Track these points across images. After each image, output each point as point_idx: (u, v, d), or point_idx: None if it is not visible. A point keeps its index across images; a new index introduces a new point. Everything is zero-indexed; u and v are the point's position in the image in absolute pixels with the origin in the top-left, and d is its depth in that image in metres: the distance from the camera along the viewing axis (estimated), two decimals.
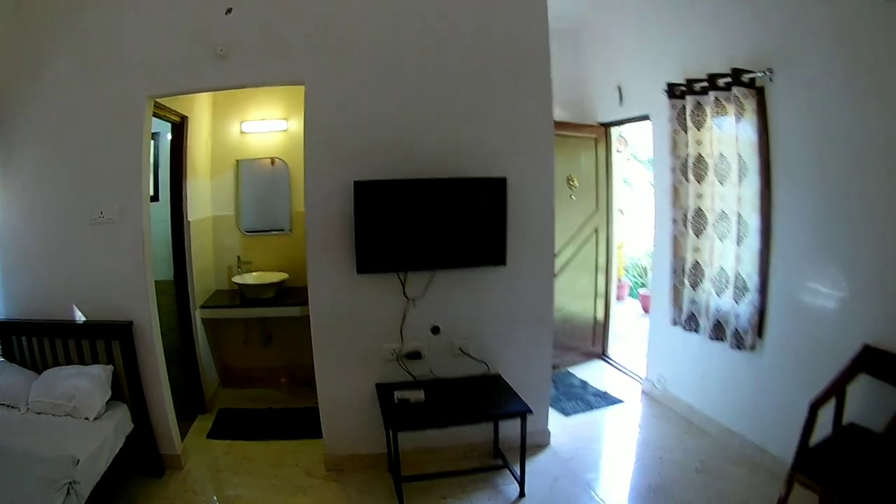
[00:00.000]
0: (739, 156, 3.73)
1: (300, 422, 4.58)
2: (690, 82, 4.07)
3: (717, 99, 3.85)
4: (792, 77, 3.48)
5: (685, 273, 4.31)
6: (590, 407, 4.91)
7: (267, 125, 5.33)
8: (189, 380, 4.83)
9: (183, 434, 4.27)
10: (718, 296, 4.02)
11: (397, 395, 3.61)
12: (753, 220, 3.70)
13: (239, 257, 5.38)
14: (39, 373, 3.65)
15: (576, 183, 5.55)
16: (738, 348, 3.87)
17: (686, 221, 4.25)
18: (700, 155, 4.08)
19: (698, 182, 4.11)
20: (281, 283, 5.16)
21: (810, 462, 2.96)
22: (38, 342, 3.76)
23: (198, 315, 4.88)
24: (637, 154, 8.40)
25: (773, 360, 3.76)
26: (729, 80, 3.73)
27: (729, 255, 3.91)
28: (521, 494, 3.66)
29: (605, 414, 4.83)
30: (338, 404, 3.95)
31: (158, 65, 3.67)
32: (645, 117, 5.03)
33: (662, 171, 4.60)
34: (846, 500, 2.70)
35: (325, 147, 3.72)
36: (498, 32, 3.82)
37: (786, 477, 3.04)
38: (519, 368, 4.03)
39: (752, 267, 3.74)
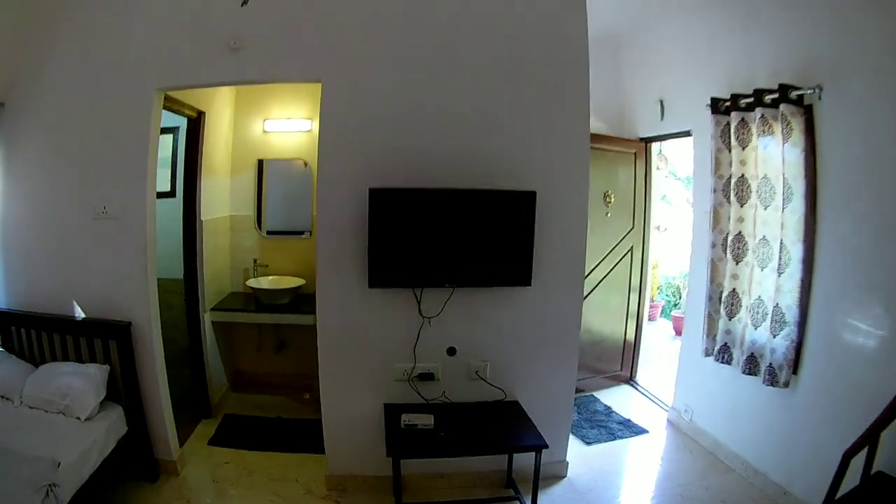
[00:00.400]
0: (785, 178, 3.41)
1: (309, 434, 4.22)
2: (735, 97, 3.75)
3: (763, 116, 3.53)
4: (842, 95, 3.17)
5: (721, 301, 3.97)
6: (612, 436, 4.58)
7: (290, 125, 5.03)
8: (195, 382, 4.60)
9: (183, 439, 4.10)
10: (755, 328, 3.68)
11: (404, 419, 3.31)
12: (797, 249, 3.37)
13: (256, 260, 5.11)
14: (37, 366, 3.54)
15: (612, 199, 5.20)
16: (772, 384, 3.54)
17: (726, 246, 3.92)
18: (743, 175, 3.76)
19: (740, 205, 3.79)
20: (297, 290, 4.87)
21: None
22: (36, 335, 3.64)
23: (207, 317, 4.64)
24: (676, 171, 7.93)
25: (806, 399, 3.46)
26: (776, 96, 3.41)
27: (769, 284, 3.57)
28: None
29: (628, 445, 4.49)
30: (343, 422, 3.66)
31: (168, 57, 3.46)
32: (687, 133, 4.68)
33: (703, 190, 4.26)
34: None
35: (340, 150, 3.44)
36: (533, 33, 3.48)
37: None
38: (539, 396, 3.71)
39: (793, 299, 3.41)
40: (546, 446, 3.17)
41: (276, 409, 4.82)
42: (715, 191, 3.99)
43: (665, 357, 6.20)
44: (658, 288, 8.04)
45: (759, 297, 3.64)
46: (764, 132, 3.55)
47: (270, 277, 5.08)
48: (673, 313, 7.60)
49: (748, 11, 3.85)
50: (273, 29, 3.40)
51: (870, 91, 3.02)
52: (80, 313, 3.59)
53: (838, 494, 2.75)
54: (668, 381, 5.19)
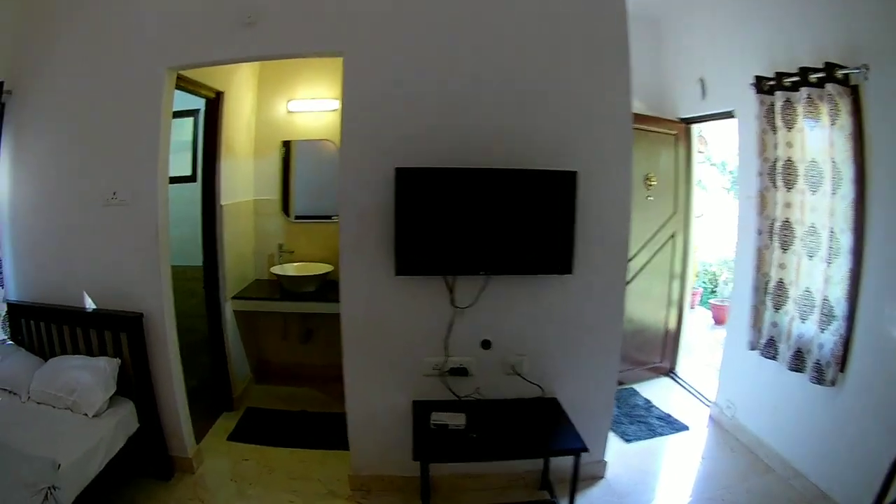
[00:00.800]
0: (833, 162, 3.10)
1: (334, 429, 3.88)
2: (780, 76, 3.40)
3: (808, 96, 3.20)
4: (890, 75, 2.84)
5: (768, 292, 3.64)
6: (653, 433, 4.21)
7: (316, 104, 4.68)
8: (216, 374, 4.29)
9: (202, 434, 3.85)
10: (802, 321, 3.37)
11: (434, 418, 2.97)
12: (846, 238, 3.07)
13: (281, 245, 4.77)
14: (46, 359, 3.31)
15: (654, 182, 4.78)
16: (818, 382, 3.23)
17: (772, 233, 3.59)
18: (790, 158, 3.41)
19: (787, 189, 3.46)
20: (324, 276, 4.51)
21: None
22: (46, 328, 3.40)
23: (228, 306, 4.31)
24: (710, 157, 7.51)
25: (852, 399, 3.15)
26: (822, 75, 3.09)
27: (817, 275, 3.25)
28: None
29: (669, 442, 4.14)
30: (368, 419, 3.34)
31: (178, 34, 3.18)
32: (729, 114, 4.27)
33: (748, 174, 3.89)
34: None
35: (364, 128, 3.09)
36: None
37: None
38: (579, 392, 3.33)
39: (842, 291, 3.10)
40: (586, 449, 2.83)
41: (302, 401, 4.49)
42: (761, 174, 3.65)
43: (703, 346, 5.88)
44: (696, 275, 7.62)
45: (807, 288, 3.33)
46: (810, 113, 3.23)
47: (296, 264, 4.74)
48: (711, 301, 7.19)
49: None
50: (289, 1, 3.08)
51: None
52: (90, 304, 3.34)
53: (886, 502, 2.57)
54: (707, 373, 4.97)
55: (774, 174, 3.53)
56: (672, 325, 5.22)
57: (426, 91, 3.06)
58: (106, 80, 3.23)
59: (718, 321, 6.72)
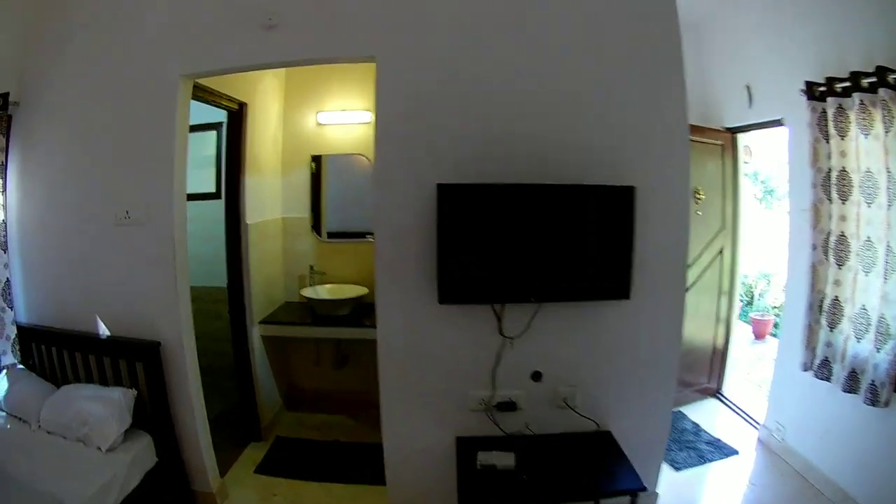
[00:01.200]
0: (889, 172, 2.86)
1: (368, 461, 3.49)
2: (831, 80, 3.15)
3: (861, 102, 2.96)
4: None
5: (823, 310, 3.35)
6: (702, 459, 3.88)
7: (347, 116, 4.32)
8: (244, 402, 3.94)
9: (227, 466, 3.52)
10: (858, 340, 3.12)
11: (481, 458, 2.60)
12: None
13: (312, 266, 4.40)
14: (59, 386, 3.06)
15: (702, 196, 4.41)
16: (872, 404, 3.00)
17: (827, 248, 3.30)
18: (844, 168, 3.16)
19: (842, 202, 3.19)
20: (359, 299, 4.14)
21: None
22: (57, 353, 3.17)
23: (256, 330, 3.94)
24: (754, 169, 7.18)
25: None
26: (874, 80, 2.87)
27: (873, 291, 3.01)
28: None
29: (718, 468, 3.82)
30: (407, 456, 3.00)
31: (192, 39, 2.92)
32: (778, 122, 3.91)
33: (799, 186, 3.56)
34: None
35: (399, 139, 2.77)
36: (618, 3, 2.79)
37: None
38: (633, 424, 2.97)
39: None
40: (644, 489, 2.53)
41: (335, 430, 4.13)
42: (814, 186, 3.34)
43: (745, 361, 5.60)
44: None
45: (863, 305, 3.07)
46: (863, 120, 2.98)
47: (329, 286, 4.37)
48: (752, 315, 6.79)
49: None
50: (314, 1, 2.79)
51: None
52: (104, 330, 3.08)
53: None
54: (752, 391, 4.82)
55: (829, 185, 3.26)
56: (720, 343, 4.88)
57: (467, 98, 2.73)
58: (117, 88, 2.98)
59: (759, 335, 6.42)
